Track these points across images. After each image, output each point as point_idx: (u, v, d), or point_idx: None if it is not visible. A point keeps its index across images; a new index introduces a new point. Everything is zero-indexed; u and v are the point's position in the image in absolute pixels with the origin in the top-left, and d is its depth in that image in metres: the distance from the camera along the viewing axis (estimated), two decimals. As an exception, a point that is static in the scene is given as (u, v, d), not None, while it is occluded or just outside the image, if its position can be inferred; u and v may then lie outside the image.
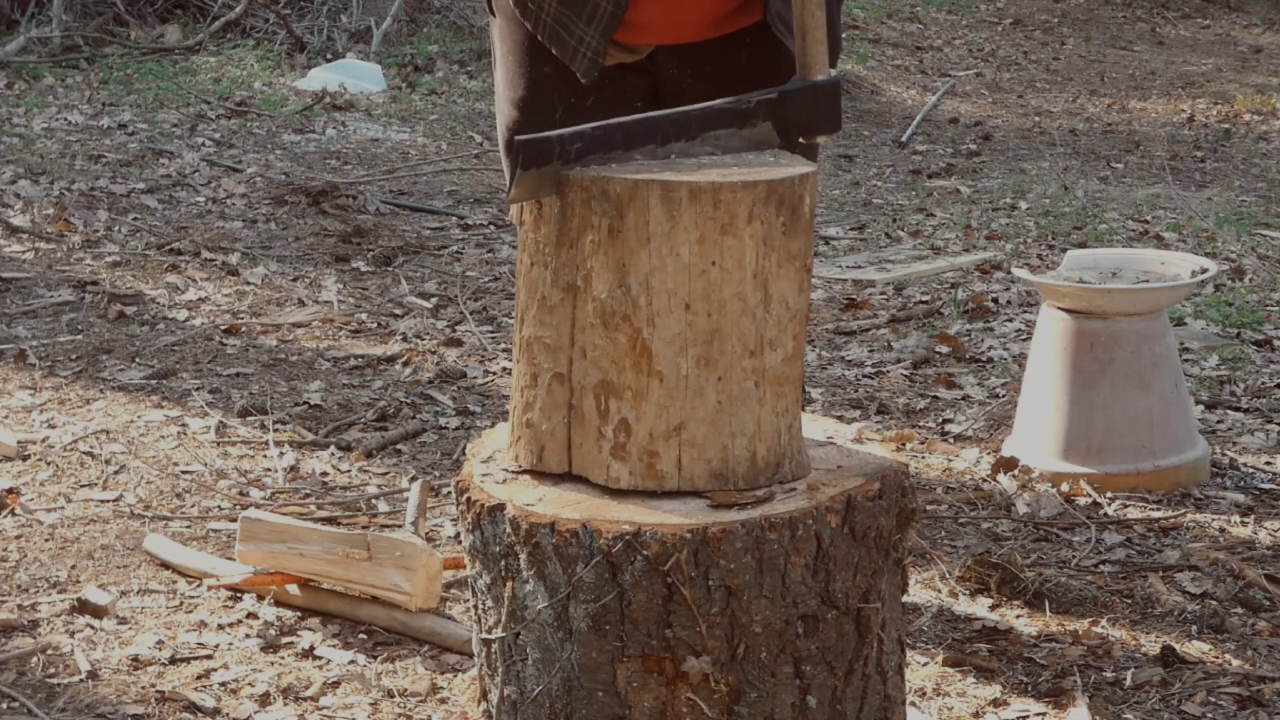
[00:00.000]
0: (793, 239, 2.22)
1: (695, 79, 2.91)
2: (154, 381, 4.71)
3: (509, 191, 2.22)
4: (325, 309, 5.47)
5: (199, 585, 3.40)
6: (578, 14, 2.83)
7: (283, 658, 3.12)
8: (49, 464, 4.06)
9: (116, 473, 4.02)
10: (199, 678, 3.04)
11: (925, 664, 3.07)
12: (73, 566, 3.50)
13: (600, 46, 2.82)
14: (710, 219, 2.17)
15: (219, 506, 3.85)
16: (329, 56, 9.56)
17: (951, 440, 4.31)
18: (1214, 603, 3.34)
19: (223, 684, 3.01)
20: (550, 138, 2.21)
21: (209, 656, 3.11)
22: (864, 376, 4.84)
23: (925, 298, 5.66)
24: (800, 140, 2.40)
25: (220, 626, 3.23)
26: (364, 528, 3.64)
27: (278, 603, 3.30)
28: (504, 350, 5.01)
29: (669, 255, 2.17)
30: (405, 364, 4.92)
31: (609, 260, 2.18)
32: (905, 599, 2.37)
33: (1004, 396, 4.59)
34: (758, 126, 2.36)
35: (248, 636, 3.19)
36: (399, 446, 4.25)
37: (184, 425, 4.35)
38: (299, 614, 3.28)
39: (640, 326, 2.19)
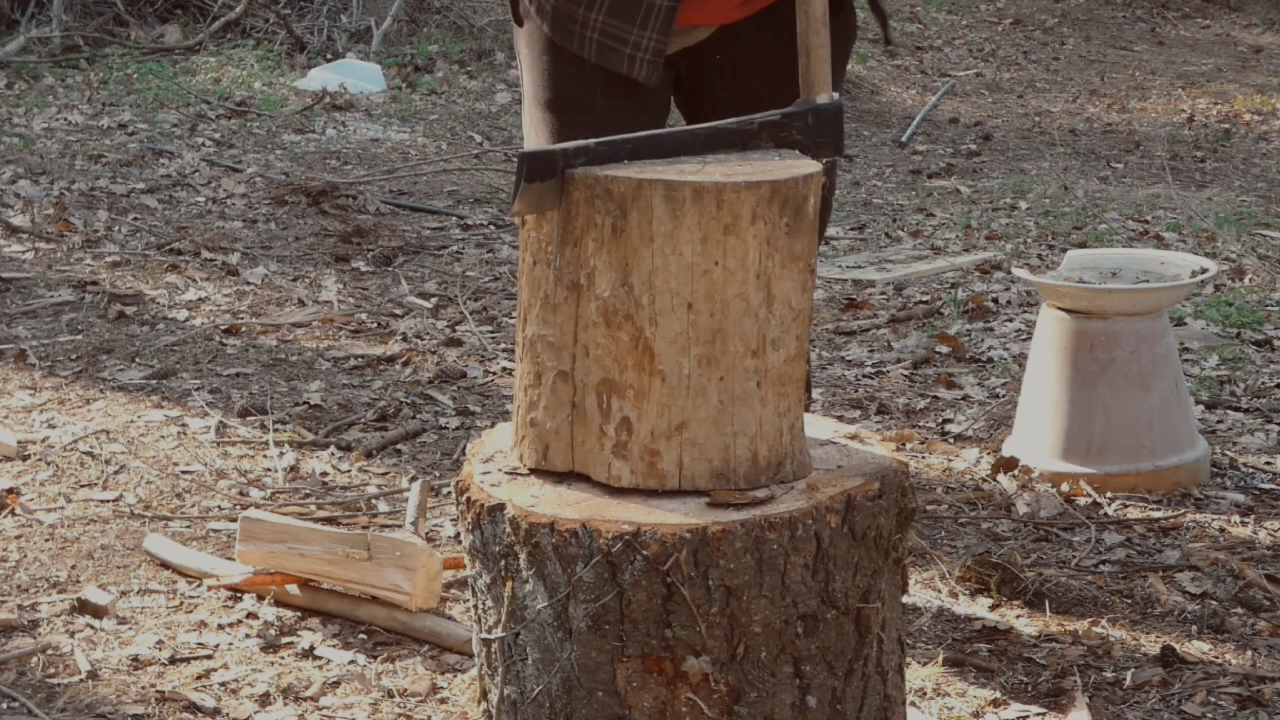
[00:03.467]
0: (796, 239, 2.22)
1: (761, 47, 2.90)
2: (154, 381, 4.71)
3: (512, 203, 2.21)
4: (325, 309, 5.47)
5: (199, 585, 3.40)
6: (630, 21, 2.81)
7: (283, 658, 3.12)
8: (49, 464, 4.06)
9: (116, 473, 4.02)
10: (199, 678, 3.03)
11: (925, 664, 3.07)
12: (73, 566, 3.50)
13: (661, 46, 2.81)
14: (714, 219, 2.16)
15: (219, 506, 3.84)
16: (329, 56, 9.56)
17: (951, 440, 4.31)
18: (1214, 603, 3.34)
19: (223, 684, 3.01)
20: (555, 151, 2.21)
21: (209, 656, 3.11)
22: (864, 376, 4.84)
23: (925, 298, 5.66)
24: None
25: (220, 626, 3.23)
26: (364, 528, 3.64)
27: (278, 603, 3.30)
28: (504, 350, 5.01)
29: (672, 255, 2.17)
30: (405, 364, 4.92)
31: (612, 259, 2.18)
32: (905, 599, 2.37)
33: (1004, 396, 4.59)
34: (760, 148, 2.36)
35: (248, 636, 3.19)
36: (399, 446, 4.25)
37: (184, 425, 4.35)
38: (299, 614, 3.28)
39: (643, 325, 2.19)
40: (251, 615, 3.27)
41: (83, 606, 3.29)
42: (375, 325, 5.31)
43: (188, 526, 3.73)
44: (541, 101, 3.00)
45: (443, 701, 2.95)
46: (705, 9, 2.90)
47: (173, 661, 3.09)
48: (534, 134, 3.05)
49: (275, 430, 4.31)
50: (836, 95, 2.44)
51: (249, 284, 5.72)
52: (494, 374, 4.84)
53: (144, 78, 8.98)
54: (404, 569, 3.16)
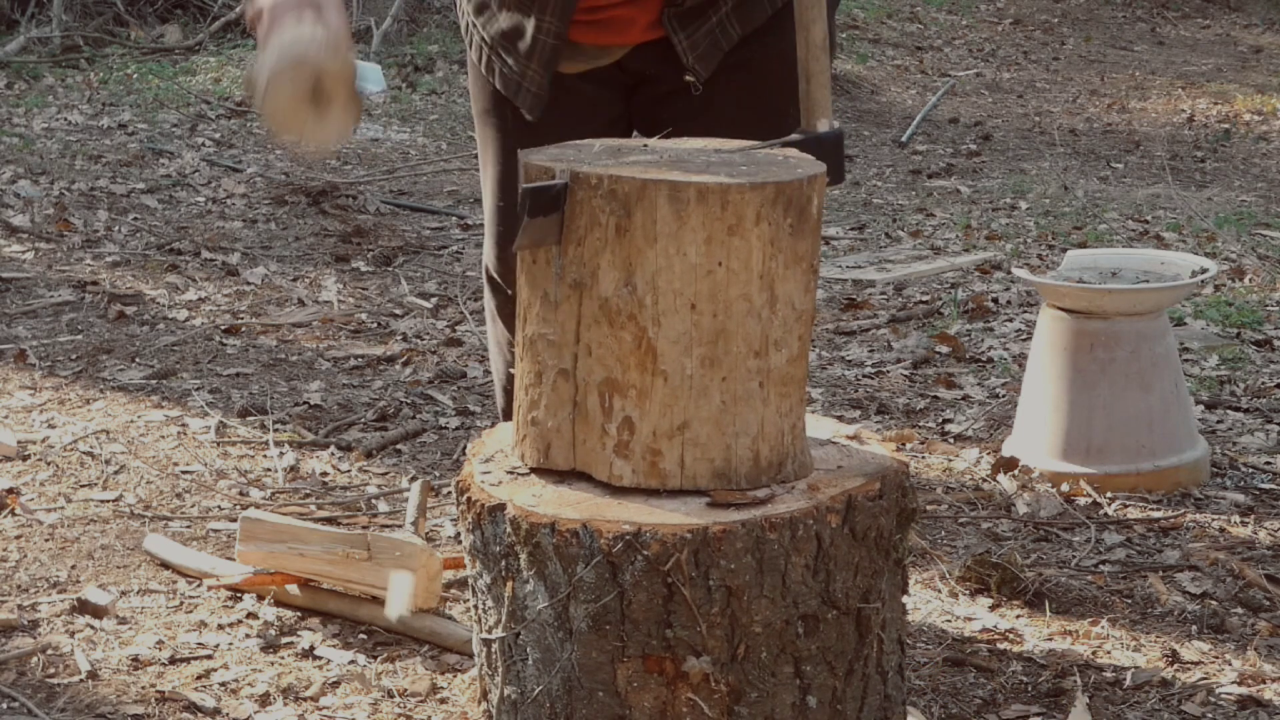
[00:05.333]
0: (800, 240, 2.22)
1: (676, 77, 2.86)
2: (154, 381, 4.71)
3: (515, 240, 2.20)
4: (325, 309, 5.47)
5: (199, 585, 3.40)
6: (515, 46, 2.79)
7: (283, 658, 3.12)
8: (49, 464, 4.06)
9: (116, 473, 4.02)
10: (199, 678, 3.03)
11: (925, 664, 3.07)
12: (73, 566, 3.50)
13: (544, 81, 2.79)
14: (718, 219, 2.16)
15: (219, 506, 3.84)
16: (329, 56, 9.55)
17: (951, 440, 4.31)
18: (1214, 603, 3.34)
19: (223, 684, 3.01)
20: (557, 186, 2.20)
21: (209, 656, 3.11)
22: (864, 376, 4.84)
23: (925, 298, 5.66)
24: None
25: (220, 626, 3.23)
26: (364, 528, 3.63)
27: (278, 603, 3.30)
28: (504, 350, 5.01)
29: (675, 255, 2.17)
30: (405, 364, 4.92)
31: (615, 259, 2.18)
32: (905, 599, 2.37)
33: (1004, 396, 4.59)
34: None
35: (248, 636, 3.19)
36: (399, 446, 4.25)
37: (184, 425, 4.35)
38: (299, 614, 3.28)
39: (645, 325, 2.19)
40: (251, 615, 3.27)
41: (83, 606, 3.29)
42: (375, 325, 5.31)
43: (188, 526, 3.73)
44: (476, 112, 3.01)
45: (443, 701, 2.95)
46: (609, 31, 2.86)
47: (173, 661, 3.09)
48: (480, 141, 3.04)
49: (275, 430, 4.31)
50: (837, 124, 2.43)
51: (249, 284, 5.72)
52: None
53: (144, 78, 8.98)
54: (404, 569, 3.16)
